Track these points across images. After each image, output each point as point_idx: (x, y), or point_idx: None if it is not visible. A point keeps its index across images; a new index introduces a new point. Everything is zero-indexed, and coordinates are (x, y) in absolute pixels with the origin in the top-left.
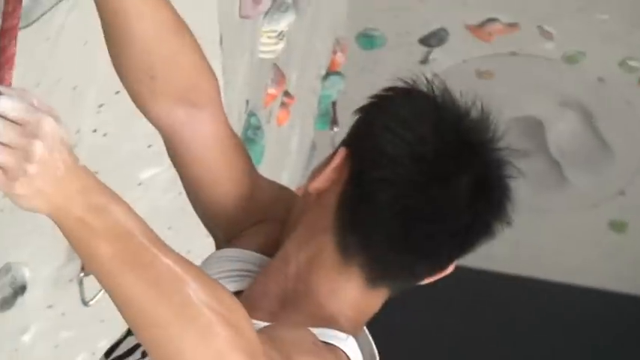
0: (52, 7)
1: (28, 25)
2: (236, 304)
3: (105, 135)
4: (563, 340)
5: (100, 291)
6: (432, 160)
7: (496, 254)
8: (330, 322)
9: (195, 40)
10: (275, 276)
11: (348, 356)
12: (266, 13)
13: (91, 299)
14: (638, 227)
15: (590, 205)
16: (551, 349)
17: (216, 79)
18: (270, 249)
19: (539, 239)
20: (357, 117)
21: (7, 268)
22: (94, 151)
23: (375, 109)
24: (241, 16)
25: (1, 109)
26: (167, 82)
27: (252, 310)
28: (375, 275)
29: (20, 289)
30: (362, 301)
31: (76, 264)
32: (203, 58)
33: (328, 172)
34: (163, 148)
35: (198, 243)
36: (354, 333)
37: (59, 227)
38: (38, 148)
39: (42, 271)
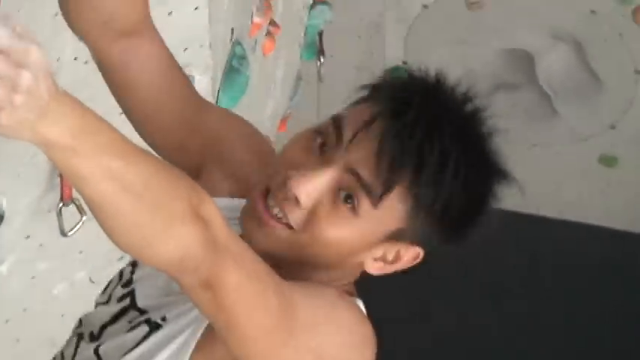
0: None
1: None
2: (208, 198)
3: (86, 63)
4: (552, 276)
5: (79, 222)
6: None
7: None
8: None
9: None
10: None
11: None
12: None
13: (70, 230)
14: (628, 162)
15: (581, 139)
16: (541, 285)
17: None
18: (242, 191)
19: (527, 174)
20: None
21: None
22: (75, 79)
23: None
24: None
25: None
26: (92, 14)
27: None
28: None
29: None
30: None
31: (56, 194)
32: None
33: (396, 267)
34: None
35: None
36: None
37: (44, 152)
38: (25, 78)
39: (20, 202)
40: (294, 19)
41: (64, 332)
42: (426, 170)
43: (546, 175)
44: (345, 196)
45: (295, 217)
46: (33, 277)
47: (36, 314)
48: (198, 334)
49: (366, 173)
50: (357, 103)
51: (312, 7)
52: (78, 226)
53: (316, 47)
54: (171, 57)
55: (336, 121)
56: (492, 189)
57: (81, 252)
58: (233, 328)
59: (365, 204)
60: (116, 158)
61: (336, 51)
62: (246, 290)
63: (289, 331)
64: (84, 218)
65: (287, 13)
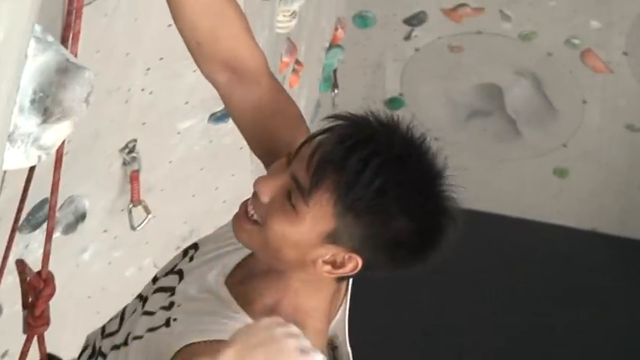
0: None
1: (89, 3)
2: None
3: (151, 93)
4: (517, 266)
5: (146, 219)
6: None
7: (463, 193)
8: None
9: (239, 17)
10: (275, 291)
11: None
12: None
13: (139, 225)
14: (577, 173)
15: (539, 154)
16: (504, 274)
17: (261, 53)
18: None
19: (498, 182)
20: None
21: (71, 200)
22: (142, 106)
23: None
24: None
25: None
26: (210, 50)
27: (249, 303)
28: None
29: (81, 217)
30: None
31: (127, 197)
32: (245, 33)
33: (342, 273)
34: (198, 104)
35: (224, 181)
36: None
37: None
38: None
39: (99, 202)
40: (314, 59)
41: None
42: (346, 172)
43: (511, 183)
44: (289, 198)
45: (259, 212)
46: (109, 263)
47: (112, 292)
48: None
49: (301, 177)
50: None
51: (328, 49)
52: (144, 222)
53: (331, 81)
54: (276, 100)
55: (301, 144)
56: (423, 201)
57: (147, 243)
58: None
59: (300, 202)
60: None
61: (346, 84)
62: None
63: None
64: (149, 216)
65: (309, 54)
